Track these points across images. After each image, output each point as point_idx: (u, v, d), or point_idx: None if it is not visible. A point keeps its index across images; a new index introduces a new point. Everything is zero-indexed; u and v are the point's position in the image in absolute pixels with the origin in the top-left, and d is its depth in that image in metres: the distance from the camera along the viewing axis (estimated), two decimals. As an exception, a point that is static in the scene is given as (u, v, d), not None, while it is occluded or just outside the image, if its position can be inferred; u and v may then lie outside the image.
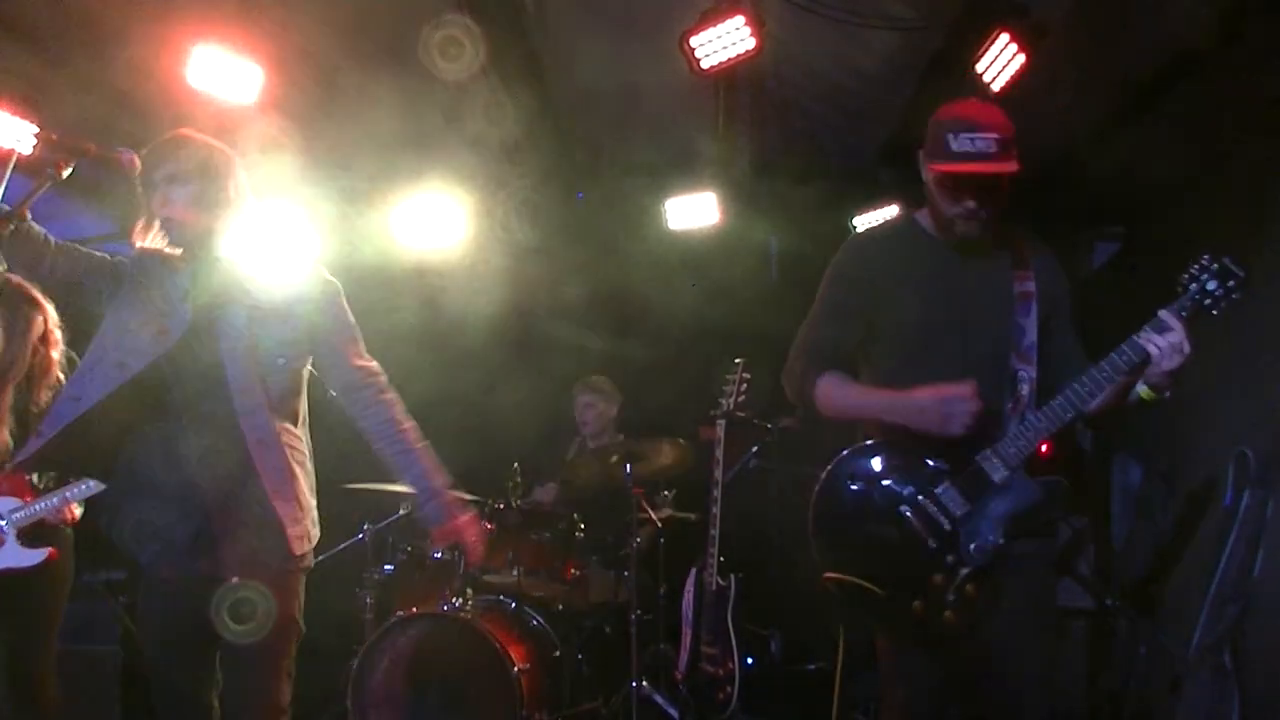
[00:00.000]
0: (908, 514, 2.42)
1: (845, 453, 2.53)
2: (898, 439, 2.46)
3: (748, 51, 3.73)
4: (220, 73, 3.71)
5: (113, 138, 2.70)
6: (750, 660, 4.23)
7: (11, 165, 2.36)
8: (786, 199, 5.35)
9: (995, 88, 3.78)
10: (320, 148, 4.77)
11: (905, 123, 4.72)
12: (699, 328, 5.48)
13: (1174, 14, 3.68)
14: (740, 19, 3.66)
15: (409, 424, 2.67)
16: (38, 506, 3.27)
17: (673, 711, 4.37)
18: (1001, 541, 2.37)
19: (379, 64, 4.12)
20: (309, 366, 2.69)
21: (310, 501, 2.63)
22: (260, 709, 2.55)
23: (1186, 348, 2.31)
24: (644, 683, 4.32)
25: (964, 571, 2.37)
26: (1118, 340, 2.41)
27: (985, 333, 2.49)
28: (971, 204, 2.43)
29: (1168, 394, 2.41)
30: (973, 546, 2.38)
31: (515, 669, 3.85)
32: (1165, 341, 2.31)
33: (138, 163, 2.51)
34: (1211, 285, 2.35)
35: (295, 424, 2.64)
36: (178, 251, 2.59)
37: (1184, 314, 2.35)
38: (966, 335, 2.49)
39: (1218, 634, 3.61)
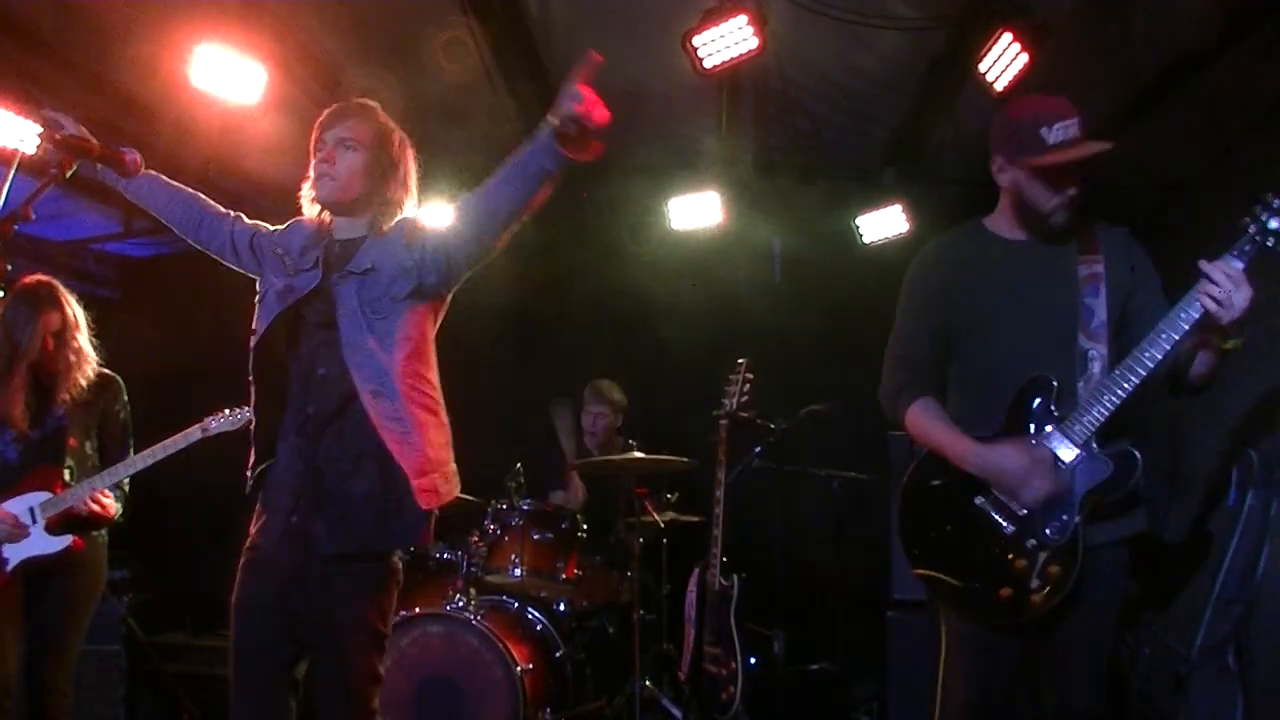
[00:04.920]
0: (981, 503, 2.44)
1: (925, 454, 2.58)
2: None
3: (750, 51, 3.72)
4: (223, 73, 3.70)
5: (116, 137, 2.71)
6: (753, 660, 4.22)
7: (16, 165, 2.37)
8: (790, 199, 5.35)
9: (998, 87, 3.76)
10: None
11: (909, 123, 4.72)
12: (701, 327, 5.47)
13: (1177, 13, 3.68)
14: (743, 18, 3.65)
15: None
16: (66, 497, 3.28)
17: (676, 712, 4.37)
18: (1078, 519, 2.36)
19: (382, 64, 4.12)
20: (428, 303, 2.57)
21: (440, 454, 2.50)
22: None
23: (1239, 298, 2.22)
24: (647, 683, 4.32)
25: (1044, 554, 2.37)
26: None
27: (1050, 317, 2.50)
28: (1073, 191, 2.49)
29: (1226, 347, 2.33)
30: (1049, 528, 2.37)
31: (518, 669, 3.86)
32: (1219, 292, 2.24)
33: (140, 162, 2.52)
34: (1274, 224, 2.30)
35: (425, 371, 2.53)
36: (323, 216, 2.60)
37: (1244, 255, 2.28)
38: (1032, 321, 2.51)
39: (1221, 635, 3.60)
